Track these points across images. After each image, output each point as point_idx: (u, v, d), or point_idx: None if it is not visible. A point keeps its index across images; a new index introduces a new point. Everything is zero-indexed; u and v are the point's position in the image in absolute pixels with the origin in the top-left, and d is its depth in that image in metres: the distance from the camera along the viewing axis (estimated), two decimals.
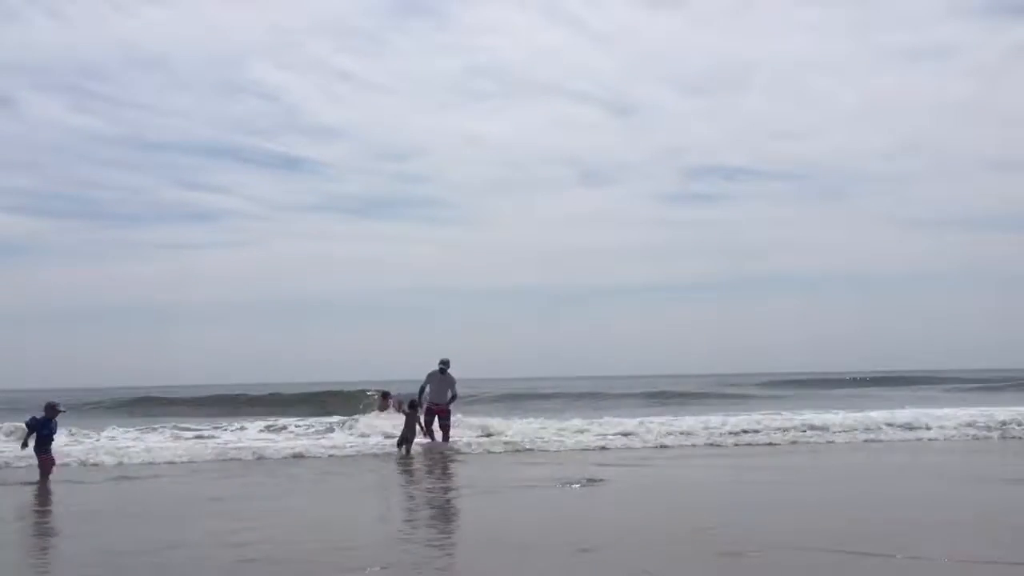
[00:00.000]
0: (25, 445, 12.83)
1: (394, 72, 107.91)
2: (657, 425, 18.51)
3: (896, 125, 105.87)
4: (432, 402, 16.90)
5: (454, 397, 17.04)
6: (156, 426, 19.29)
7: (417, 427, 16.08)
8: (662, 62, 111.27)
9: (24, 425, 13.14)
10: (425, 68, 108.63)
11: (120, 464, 14.32)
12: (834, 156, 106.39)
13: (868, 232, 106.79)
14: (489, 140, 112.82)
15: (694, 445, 16.78)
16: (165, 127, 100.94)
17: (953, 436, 17.79)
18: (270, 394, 37.65)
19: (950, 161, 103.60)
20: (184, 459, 14.88)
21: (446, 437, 16.72)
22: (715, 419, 19.23)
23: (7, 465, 13.78)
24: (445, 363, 17.12)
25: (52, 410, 12.85)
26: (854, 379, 51.06)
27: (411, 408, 16.14)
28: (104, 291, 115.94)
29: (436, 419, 16.84)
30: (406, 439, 15.78)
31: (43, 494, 11.61)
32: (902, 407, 21.55)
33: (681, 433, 17.74)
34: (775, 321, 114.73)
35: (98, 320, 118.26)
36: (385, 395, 21.05)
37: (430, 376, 17.01)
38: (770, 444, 16.99)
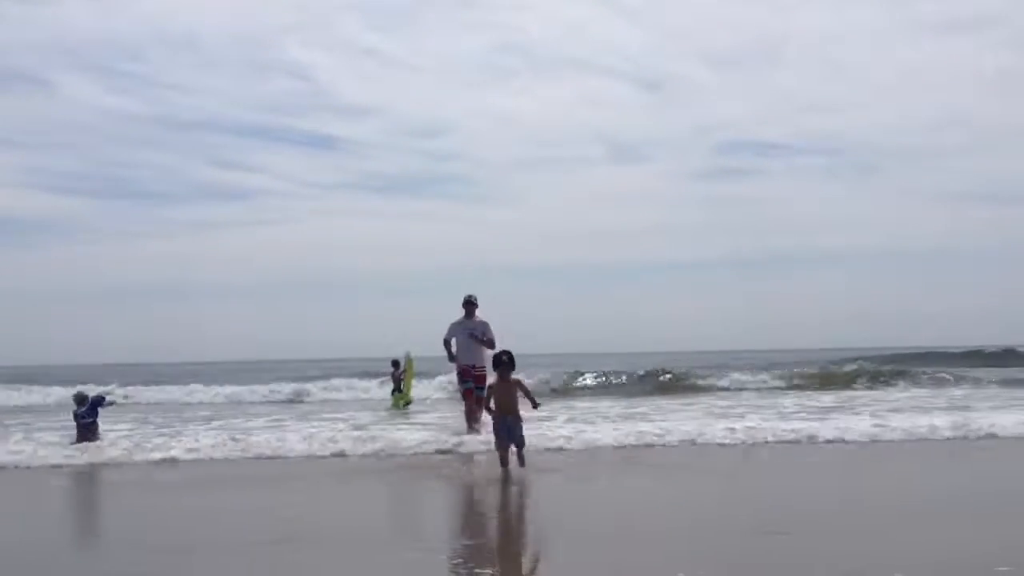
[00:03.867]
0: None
1: (422, 50, 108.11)
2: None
3: (932, 98, 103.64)
4: (462, 363, 11.90)
5: (491, 344, 11.77)
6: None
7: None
8: (691, 36, 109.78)
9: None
10: (452, 46, 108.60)
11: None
12: (869, 130, 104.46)
13: (904, 206, 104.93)
14: (518, 117, 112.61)
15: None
16: (196, 107, 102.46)
17: None
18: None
19: (988, 134, 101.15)
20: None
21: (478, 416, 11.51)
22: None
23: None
24: (471, 300, 12.02)
25: (85, 399, 13.68)
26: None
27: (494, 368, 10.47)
28: (138, 269, 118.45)
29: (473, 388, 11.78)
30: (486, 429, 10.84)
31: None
32: None
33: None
34: (810, 296, 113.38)
35: (133, 296, 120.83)
36: (396, 363, 20.54)
37: (452, 326, 12.12)
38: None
